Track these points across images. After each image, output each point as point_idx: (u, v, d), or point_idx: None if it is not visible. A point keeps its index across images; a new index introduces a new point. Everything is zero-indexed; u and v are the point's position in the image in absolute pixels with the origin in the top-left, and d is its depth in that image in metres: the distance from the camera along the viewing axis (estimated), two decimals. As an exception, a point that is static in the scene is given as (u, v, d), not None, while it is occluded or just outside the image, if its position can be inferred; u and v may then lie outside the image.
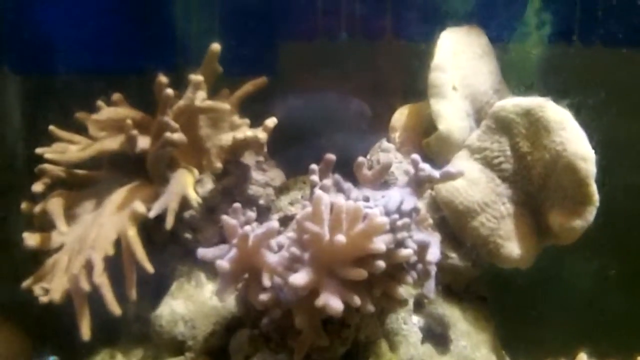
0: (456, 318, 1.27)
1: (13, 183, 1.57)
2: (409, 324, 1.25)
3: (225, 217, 1.08)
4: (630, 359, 1.34)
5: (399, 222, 1.03)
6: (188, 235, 1.35)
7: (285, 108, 1.48)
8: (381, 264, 1.01)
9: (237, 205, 1.12)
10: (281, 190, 1.41)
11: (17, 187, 1.40)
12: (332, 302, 1.00)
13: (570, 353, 1.37)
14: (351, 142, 1.40)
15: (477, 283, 1.34)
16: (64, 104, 1.45)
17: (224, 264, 1.05)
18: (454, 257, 1.29)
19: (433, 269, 1.10)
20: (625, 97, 1.51)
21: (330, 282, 1.02)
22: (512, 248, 1.26)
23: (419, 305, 1.28)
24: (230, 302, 1.30)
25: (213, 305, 1.30)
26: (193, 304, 1.31)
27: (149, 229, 1.35)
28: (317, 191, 1.02)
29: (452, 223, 1.28)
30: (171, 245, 1.37)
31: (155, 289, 1.37)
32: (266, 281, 1.06)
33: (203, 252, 1.12)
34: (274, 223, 1.07)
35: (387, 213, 1.03)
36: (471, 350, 1.24)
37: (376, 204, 1.05)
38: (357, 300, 1.02)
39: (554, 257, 1.39)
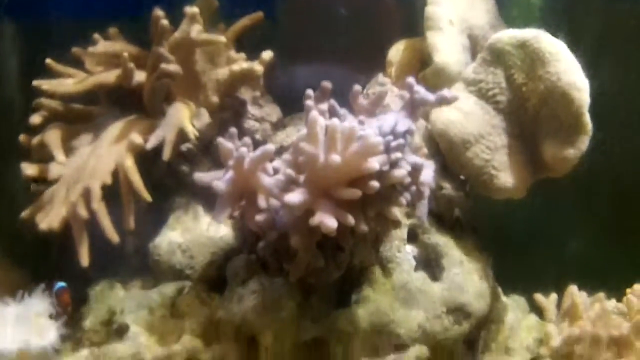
0: (449, 247, 1.29)
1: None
2: (402, 252, 1.26)
3: (221, 140, 1.09)
4: (619, 292, 1.36)
5: (393, 143, 1.04)
6: (185, 169, 1.36)
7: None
8: (375, 184, 1.03)
9: (233, 130, 1.13)
10: (277, 126, 1.42)
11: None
12: (327, 220, 1.02)
13: (561, 288, 1.40)
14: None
15: (471, 214, 1.35)
16: (60, 50, 1.45)
17: (220, 184, 1.07)
18: (448, 188, 1.31)
19: (426, 191, 1.11)
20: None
21: (325, 202, 1.04)
22: (506, 179, 1.27)
23: (413, 236, 1.30)
24: (228, 233, 1.32)
25: (210, 236, 1.32)
26: (190, 234, 1.32)
27: (147, 163, 1.36)
28: (312, 112, 1.03)
29: (447, 154, 1.29)
30: (168, 178, 1.39)
31: (154, 222, 1.39)
32: (262, 202, 1.08)
33: (199, 176, 1.13)
34: (269, 146, 1.08)
35: (382, 134, 1.04)
36: (463, 278, 1.26)
37: (371, 127, 1.06)
38: (351, 220, 1.03)
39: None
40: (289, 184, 1.06)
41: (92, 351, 1.12)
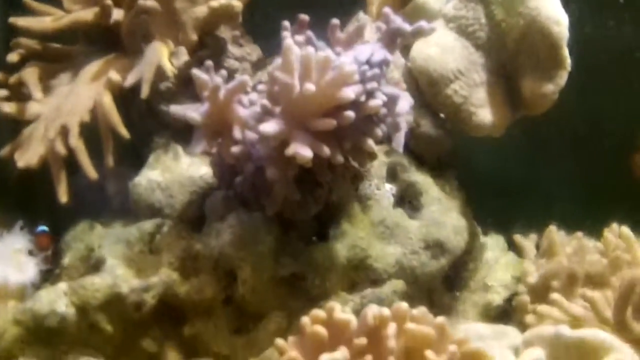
0: (428, 185, 1.29)
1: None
2: (381, 190, 1.27)
3: (196, 71, 1.09)
4: (596, 231, 1.37)
5: (369, 73, 1.04)
6: (164, 108, 1.35)
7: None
8: (350, 114, 1.03)
9: (209, 62, 1.12)
10: (258, 66, 1.41)
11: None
12: (302, 150, 1.02)
13: (541, 229, 1.41)
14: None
15: (450, 153, 1.35)
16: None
17: (195, 115, 1.07)
18: (428, 126, 1.31)
19: (403, 122, 1.11)
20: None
21: (301, 133, 1.04)
22: (485, 115, 1.27)
23: (393, 174, 1.30)
24: (208, 172, 1.32)
25: (190, 176, 1.31)
26: (170, 174, 1.32)
27: (126, 103, 1.35)
28: (287, 40, 1.03)
29: (426, 91, 1.29)
30: (148, 118, 1.38)
31: (134, 163, 1.39)
32: (237, 133, 1.07)
33: (175, 109, 1.13)
34: (244, 77, 1.07)
35: (357, 64, 1.03)
36: (441, 215, 1.26)
37: (346, 57, 1.05)
38: (326, 150, 1.03)
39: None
40: (265, 115, 1.06)
41: (69, 284, 1.13)
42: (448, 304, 1.32)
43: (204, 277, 1.16)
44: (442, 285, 1.32)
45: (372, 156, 1.14)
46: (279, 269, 1.19)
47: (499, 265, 1.37)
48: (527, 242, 1.42)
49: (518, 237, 1.43)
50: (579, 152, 1.62)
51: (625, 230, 1.24)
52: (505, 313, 1.33)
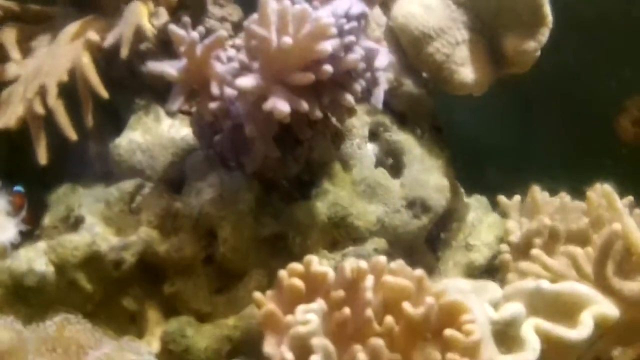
0: (410, 145, 1.29)
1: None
2: (363, 149, 1.26)
3: (172, 27, 1.07)
4: (581, 193, 1.37)
5: (346, 26, 1.03)
6: (144, 69, 1.34)
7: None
8: (328, 68, 1.02)
9: (186, 19, 1.10)
10: (239, 26, 1.40)
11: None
12: (279, 105, 1.01)
13: (525, 190, 1.40)
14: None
15: (433, 113, 1.35)
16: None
17: (172, 71, 1.06)
18: (410, 85, 1.30)
19: (382, 77, 1.10)
20: None
21: (279, 88, 1.03)
22: (466, 74, 1.27)
23: (374, 134, 1.29)
24: (189, 134, 1.31)
25: (171, 137, 1.31)
26: (151, 135, 1.31)
27: (106, 64, 1.34)
28: (263, -6, 1.01)
29: (408, 50, 1.28)
30: (129, 80, 1.37)
31: (115, 126, 1.38)
32: (214, 89, 1.06)
33: (152, 66, 1.12)
34: (221, 32, 1.06)
35: (335, 17, 1.02)
36: (423, 174, 1.26)
37: (324, 10, 1.04)
38: (304, 105, 1.03)
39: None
40: (242, 71, 1.05)
41: (48, 243, 1.12)
42: (430, 264, 1.32)
43: (183, 236, 1.15)
44: (424, 245, 1.32)
45: (351, 112, 1.13)
46: (261, 229, 1.18)
47: (482, 226, 1.37)
48: (511, 203, 1.41)
49: (502, 198, 1.42)
50: (564, 113, 1.62)
51: (607, 187, 1.24)
52: (488, 272, 1.33)
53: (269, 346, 0.91)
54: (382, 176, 1.24)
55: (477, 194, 1.45)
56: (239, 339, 1.11)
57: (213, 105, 1.07)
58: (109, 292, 1.14)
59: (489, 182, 1.46)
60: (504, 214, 1.40)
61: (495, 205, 1.44)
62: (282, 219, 1.19)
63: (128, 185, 1.23)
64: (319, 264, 0.95)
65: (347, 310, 0.92)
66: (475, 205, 1.41)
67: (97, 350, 0.94)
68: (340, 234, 1.19)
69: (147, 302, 1.15)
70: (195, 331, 1.10)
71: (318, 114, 1.05)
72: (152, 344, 1.12)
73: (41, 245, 1.13)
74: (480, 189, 1.45)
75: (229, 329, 1.11)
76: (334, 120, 1.16)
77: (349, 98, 1.07)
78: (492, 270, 1.32)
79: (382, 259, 0.97)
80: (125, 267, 1.12)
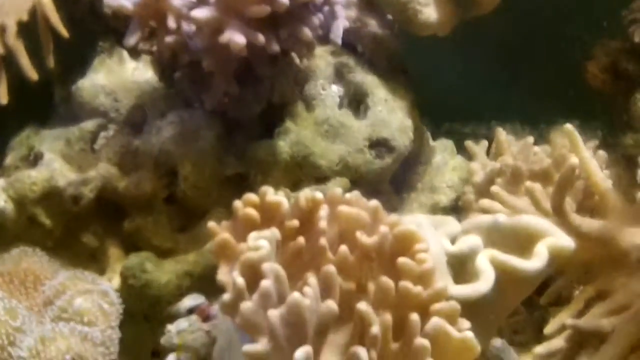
0: (375, 86, 1.28)
1: None
2: (327, 90, 1.26)
3: (127, -42, 1.06)
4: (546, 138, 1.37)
5: (303, -42, 1.02)
6: (107, 11, 1.33)
7: None
8: (284, 0, 1.01)
9: (144, -47, 1.09)
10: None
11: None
12: (235, 37, 1.00)
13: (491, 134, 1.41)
14: None
15: (399, 55, 1.34)
16: None
17: (127, 4, 1.05)
18: (374, 26, 1.29)
19: (340, 11, 1.10)
20: None
21: (235, 21, 1.02)
22: (430, 14, 1.26)
23: (339, 75, 1.29)
24: (153, 77, 1.30)
25: (135, 80, 1.30)
26: (115, 77, 1.30)
27: (68, 5, 1.33)
28: None
29: (372, -10, 1.27)
30: (92, 22, 1.35)
31: (79, 70, 1.37)
32: (171, 23, 1.06)
33: (110, 1, 1.11)
34: (178, -36, 1.05)
35: (291, -52, 1.01)
36: (387, 115, 1.26)
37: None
38: (260, 38, 1.02)
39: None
40: (199, 4, 1.04)
41: (6, 179, 1.12)
42: (395, 206, 1.33)
43: (143, 173, 1.15)
44: (389, 186, 1.32)
45: (310, 46, 1.13)
46: (223, 168, 1.19)
47: (447, 168, 1.37)
48: (478, 147, 1.42)
49: (469, 143, 1.42)
50: (532, 58, 1.61)
51: (569, 126, 1.23)
52: (452, 213, 1.33)
53: (222, 274, 0.91)
54: (345, 117, 1.24)
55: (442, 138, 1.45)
56: (200, 275, 1.12)
57: (170, 39, 1.06)
58: (69, 228, 1.14)
59: (455, 127, 1.46)
60: (470, 158, 1.41)
61: (462, 149, 1.44)
62: (245, 159, 1.19)
63: (90, 124, 1.23)
64: (274, 193, 0.95)
65: (301, 240, 0.93)
66: (441, 149, 1.41)
67: (54, 280, 0.94)
68: (303, 173, 1.19)
69: (108, 239, 1.16)
70: (155, 266, 1.10)
71: (275, 47, 1.04)
72: (112, 281, 1.12)
73: (0, 182, 1.13)
74: (446, 135, 1.45)
75: (190, 265, 1.12)
76: (295, 57, 1.16)
77: (307, 32, 1.06)
78: (456, 212, 1.33)
79: (338, 190, 0.97)
80: (84, 202, 1.12)
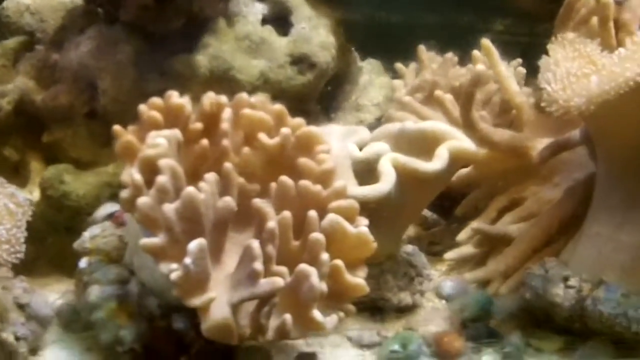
0: (299, 4, 1.29)
1: None
2: (249, 7, 1.27)
3: None
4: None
5: None
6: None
7: None
8: None
9: None
10: None
11: None
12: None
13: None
14: None
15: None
16: None
17: None
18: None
19: None
20: None
21: None
22: None
23: (263, -7, 1.30)
24: (79, -1, 1.30)
25: (61, 1, 1.30)
26: (40, -2, 1.30)
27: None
28: None
29: None
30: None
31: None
32: None
33: None
34: None
35: None
36: (310, 31, 1.27)
37: None
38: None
39: None
40: None
41: None
42: (323, 125, 1.34)
43: (61, 86, 1.16)
44: (317, 106, 1.34)
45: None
46: (145, 84, 1.19)
47: (374, 87, 1.39)
48: (407, 69, 1.44)
49: (399, 65, 1.44)
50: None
51: (485, 41, 1.24)
52: (377, 131, 1.35)
53: (124, 175, 0.93)
54: (267, 33, 1.25)
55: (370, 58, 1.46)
56: (119, 185, 1.13)
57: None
58: (-12, 142, 1.16)
59: (384, 49, 1.47)
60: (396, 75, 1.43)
61: (387, 66, 1.45)
62: (166, 75, 1.20)
63: (11, 42, 1.23)
64: (178, 96, 0.96)
65: (205, 142, 0.95)
66: (368, 69, 1.42)
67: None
68: (222, 88, 1.19)
69: (28, 152, 1.17)
70: (73, 178, 1.12)
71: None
72: (33, 193, 1.14)
73: None
74: (375, 56, 1.46)
75: (109, 176, 1.14)
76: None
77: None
78: (380, 129, 1.35)
79: (244, 94, 0.99)
80: (2, 114, 1.13)
